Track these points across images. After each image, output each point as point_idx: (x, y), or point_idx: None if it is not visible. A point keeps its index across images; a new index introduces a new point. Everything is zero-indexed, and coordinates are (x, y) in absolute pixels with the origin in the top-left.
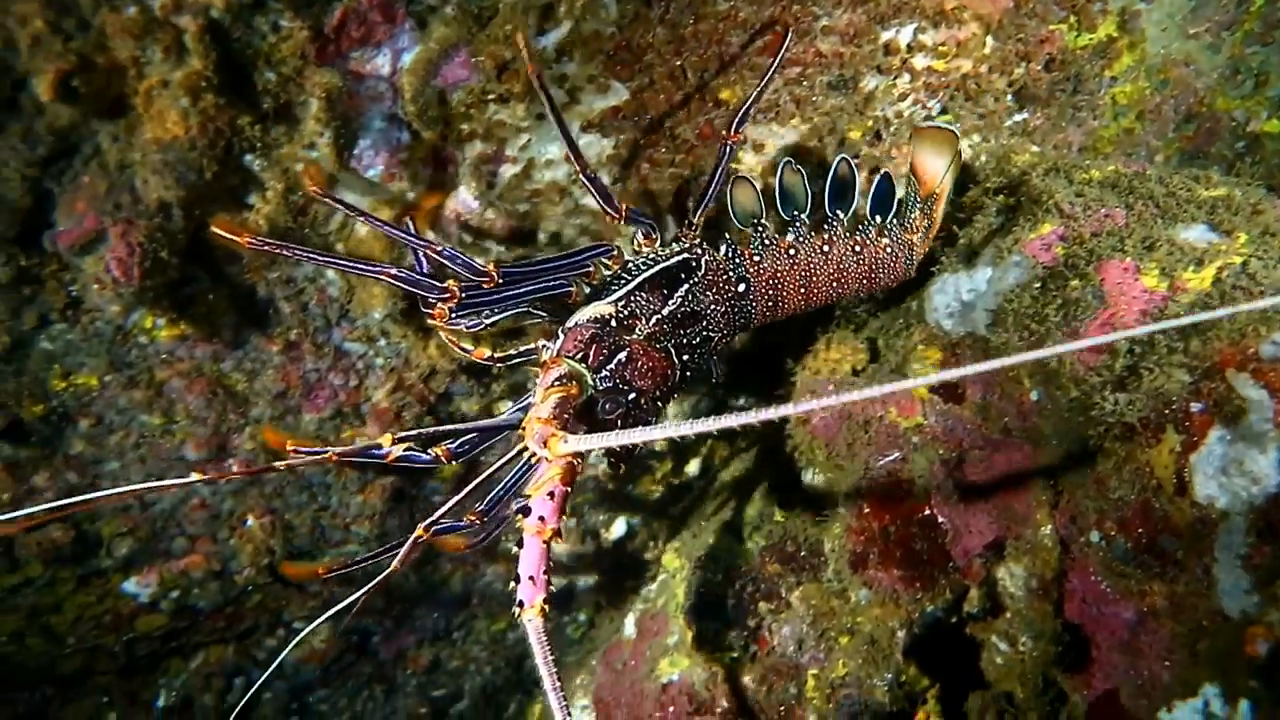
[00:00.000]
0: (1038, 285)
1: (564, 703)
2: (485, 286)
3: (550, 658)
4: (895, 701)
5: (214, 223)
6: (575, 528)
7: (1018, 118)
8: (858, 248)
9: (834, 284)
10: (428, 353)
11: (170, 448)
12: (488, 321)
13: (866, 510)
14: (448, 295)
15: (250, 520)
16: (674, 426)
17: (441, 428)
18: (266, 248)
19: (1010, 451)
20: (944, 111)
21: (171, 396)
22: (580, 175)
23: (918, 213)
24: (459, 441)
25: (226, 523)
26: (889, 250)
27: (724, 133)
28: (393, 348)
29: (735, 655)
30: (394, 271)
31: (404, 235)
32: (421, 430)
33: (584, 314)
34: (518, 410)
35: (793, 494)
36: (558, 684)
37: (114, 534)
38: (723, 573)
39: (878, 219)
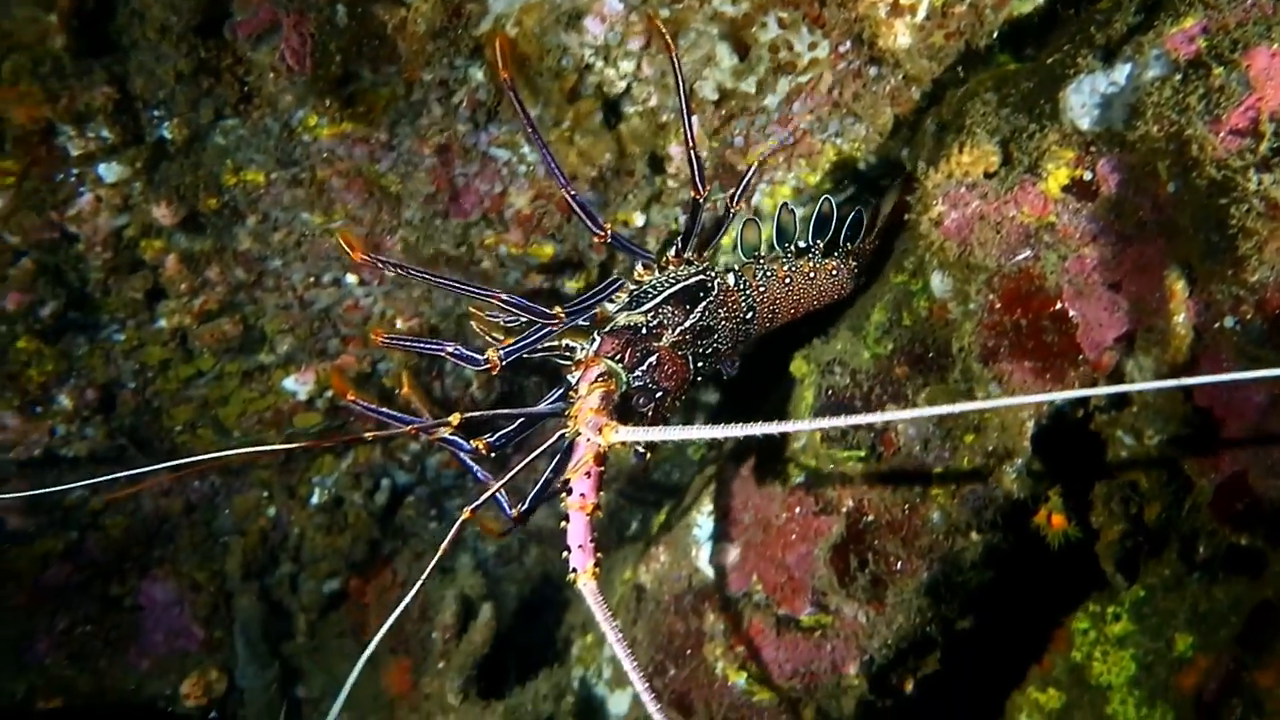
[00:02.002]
0: (1179, 77)
1: (630, 654)
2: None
3: (609, 614)
4: (1021, 491)
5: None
6: None
7: None
8: (832, 270)
9: (814, 300)
10: (569, 160)
11: (329, 247)
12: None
13: (998, 306)
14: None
15: (399, 323)
16: (719, 429)
17: (496, 412)
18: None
19: (1144, 245)
20: None
21: (331, 195)
22: (565, 194)
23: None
24: (496, 435)
25: (377, 324)
26: (851, 269)
27: (730, 203)
28: (536, 154)
29: (862, 456)
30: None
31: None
32: (484, 413)
33: (617, 322)
34: (554, 402)
35: (920, 299)
36: (620, 636)
37: (276, 331)
38: (849, 376)
39: (848, 245)
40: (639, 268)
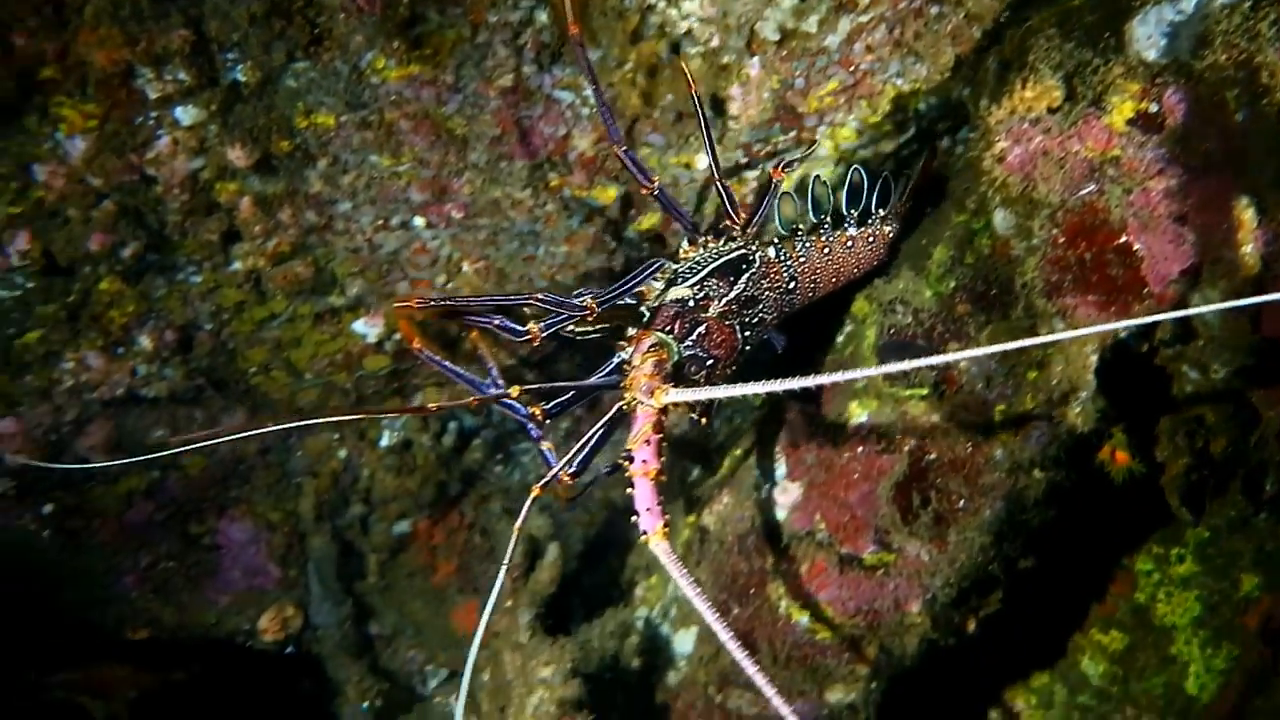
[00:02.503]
0: (1249, 4)
1: (710, 608)
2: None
3: (684, 570)
4: (1085, 425)
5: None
6: None
7: None
8: (869, 237)
9: (854, 268)
10: (631, 103)
11: (397, 189)
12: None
13: (1061, 241)
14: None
15: (466, 266)
16: (761, 385)
17: (554, 384)
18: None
19: (1211, 176)
20: None
21: (399, 138)
22: (616, 150)
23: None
24: (552, 404)
25: (444, 268)
26: (886, 235)
27: (772, 170)
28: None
29: (924, 394)
30: (540, 296)
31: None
32: (540, 385)
33: (665, 297)
34: (608, 375)
35: (982, 237)
36: (698, 590)
37: (346, 274)
38: (911, 314)
39: (880, 211)
40: (683, 246)
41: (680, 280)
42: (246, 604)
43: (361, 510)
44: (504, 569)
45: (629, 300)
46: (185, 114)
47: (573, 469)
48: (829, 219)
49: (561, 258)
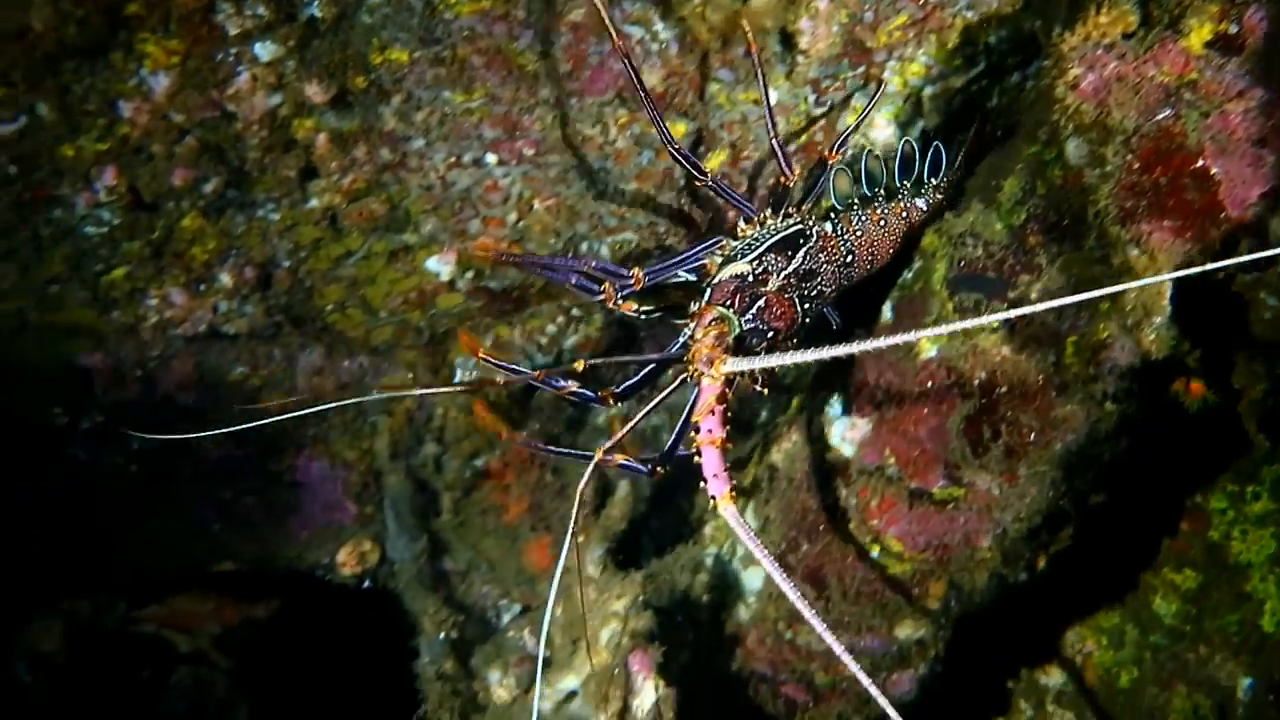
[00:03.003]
0: None
1: (775, 563)
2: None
3: (750, 532)
4: (1160, 352)
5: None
6: None
7: None
8: (922, 208)
9: (911, 237)
10: (702, 37)
11: (469, 125)
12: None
13: (1136, 167)
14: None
15: (537, 204)
16: (820, 350)
17: (618, 358)
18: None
19: None
20: None
21: (472, 74)
22: (668, 148)
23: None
24: (623, 386)
25: (515, 205)
26: (940, 204)
27: (826, 154)
28: (670, 30)
29: (995, 326)
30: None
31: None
32: (607, 359)
33: (725, 273)
34: (675, 350)
35: (1054, 168)
36: (764, 550)
37: (420, 211)
38: (981, 247)
39: (932, 181)
40: (741, 224)
41: (739, 256)
42: (325, 539)
43: (435, 449)
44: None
45: (688, 276)
46: (264, 50)
47: (662, 455)
48: (883, 191)
49: (632, 195)
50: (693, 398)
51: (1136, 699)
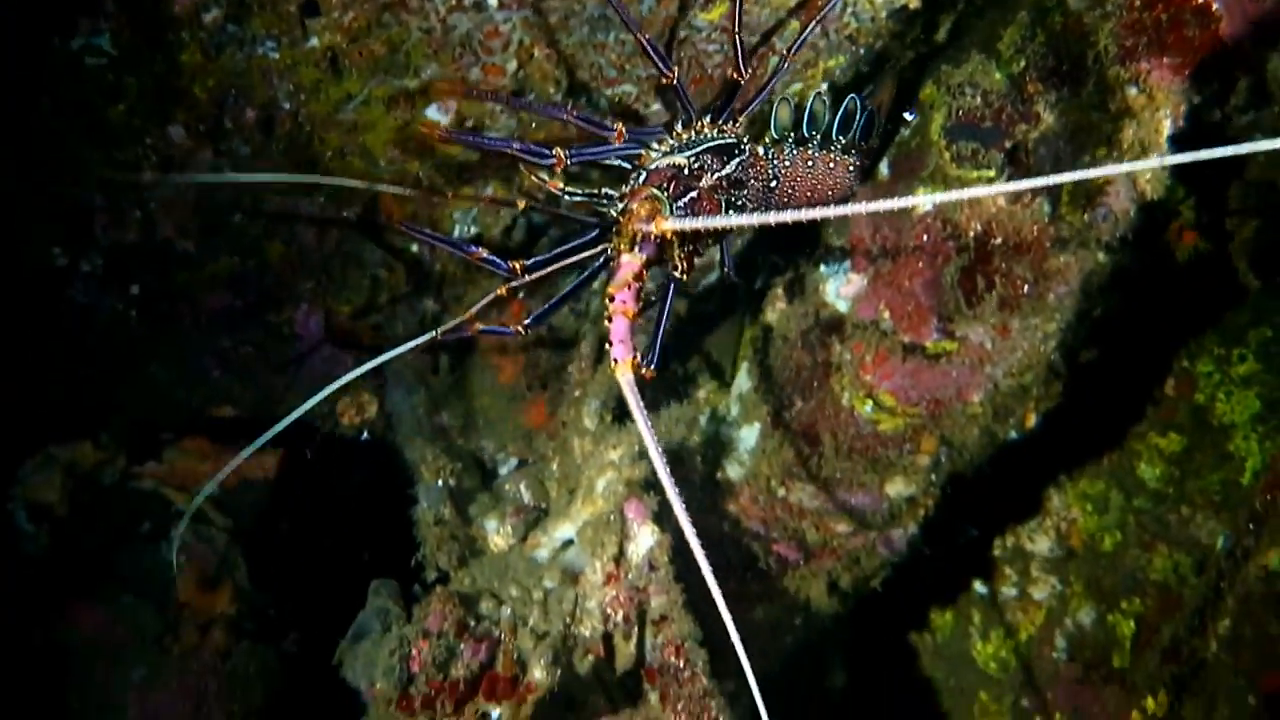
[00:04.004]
0: None
1: (655, 439)
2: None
3: (641, 403)
4: (1155, 193)
5: None
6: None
7: None
8: (849, 166)
9: (826, 191)
10: None
11: None
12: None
13: (1137, 4)
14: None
15: (536, 52)
16: (768, 215)
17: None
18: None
19: None
20: None
21: None
22: (640, 40)
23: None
24: (532, 260)
25: (515, 53)
26: (855, 168)
27: (785, 51)
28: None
29: (991, 176)
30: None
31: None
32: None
33: (662, 161)
34: (595, 231)
35: (1055, 15)
36: (648, 422)
37: (421, 56)
38: (980, 96)
39: (863, 144)
40: (678, 127)
41: (677, 151)
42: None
43: (434, 307)
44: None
45: (619, 162)
46: None
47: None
48: (818, 136)
49: (631, 45)
50: (606, 275)
51: (1119, 561)
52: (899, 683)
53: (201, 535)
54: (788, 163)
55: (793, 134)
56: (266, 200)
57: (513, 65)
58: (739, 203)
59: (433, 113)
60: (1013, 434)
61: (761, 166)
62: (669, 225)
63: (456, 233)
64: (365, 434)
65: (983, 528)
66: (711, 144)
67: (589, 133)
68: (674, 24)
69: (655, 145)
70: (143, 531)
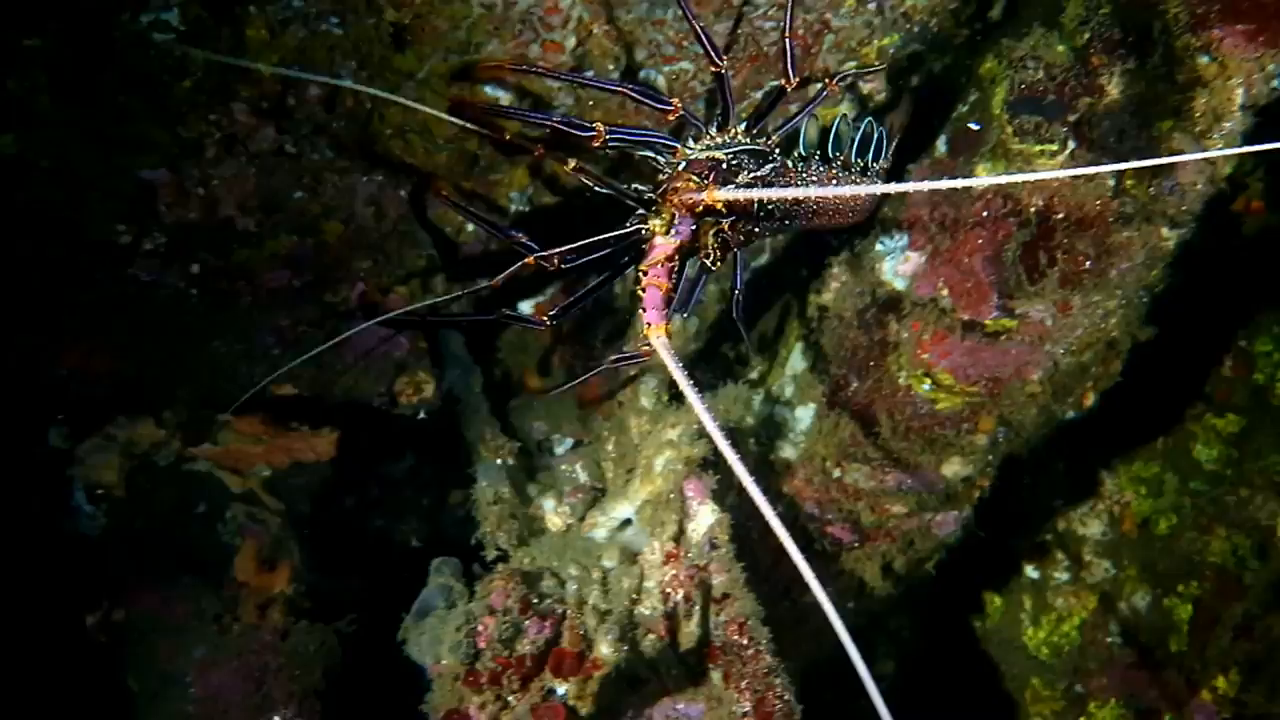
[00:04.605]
0: None
1: (703, 400)
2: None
3: (679, 362)
4: (1227, 163)
5: None
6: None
7: None
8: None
9: (847, 213)
10: None
11: None
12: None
13: None
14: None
15: (595, 29)
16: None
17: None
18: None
19: None
20: None
21: None
22: (693, 22)
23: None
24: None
25: (574, 30)
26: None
27: (828, 80)
28: None
29: (1054, 149)
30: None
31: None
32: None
33: (703, 154)
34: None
35: None
36: (691, 383)
37: (481, 33)
38: (1043, 69)
39: (875, 165)
40: (712, 129)
41: (717, 148)
42: (382, 369)
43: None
44: None
45: (652, 154)
46: None
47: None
48: (842, 157)
49: (694, 15)
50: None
51: (1174, 544)
52: (953, 667)
53: (255, 517)
54: (814, 178)
55: (819, 152)
56: (327, 178)
57: (571, 42)
58: (771, 206)
59: (490, 90)
60: (1070, 414)
61: (791, 178)
62: (721, 194)
63: (513, 208)
64: (422, 414)
65: (1035, 511)
66: (747, 147)
67: (647, 106)
68: (733, 1)
69: (692, 142)
70: (198, 513)
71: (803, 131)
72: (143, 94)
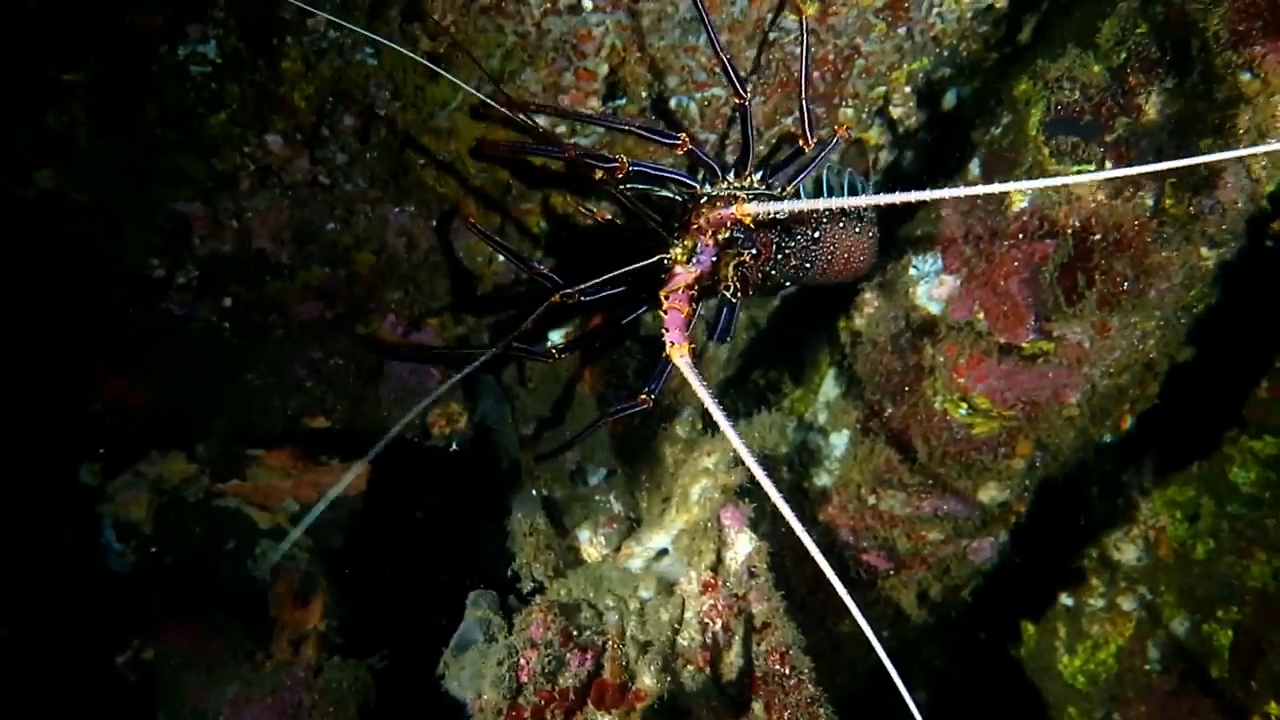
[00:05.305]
0: None
1: (724, 412)
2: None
3: (701, 379)
4: (1273, 178)
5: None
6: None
7: None
8: (872, 234)
9: (856, 263)
10: None
11: None
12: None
13: None
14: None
15: (628, 55)
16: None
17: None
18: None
19: None
20: None
21: None
22: (720, 54)
23: None
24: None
25: (608, 56)
26: (877, 238)
27: (838, 128)
28: None
29: (1092, 170)
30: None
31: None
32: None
33: (723, 192)
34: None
35: (1156, 6)
36: (714, 396)
37: (516, 61)
38: (1079, 90)
39: (869, 213)
40: (729, 176)
41: (735, 189)
42: (414, 400)
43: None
44: None
45: (669, 193)
46: None
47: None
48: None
49: (722, 47)
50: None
51: (1212, 569)
52: (986, 696)
53: (286, 553)
54: (826, 223)
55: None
56: (359, 209)
57: (604, 69)
58: (787, 251)
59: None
60: (1107, 437)
61: (806, 224)
62: (750, 208)
63: (543, 235)
64: (455, 445)
65: (1073, 535)
66: (764, 191)
67: (653, 141)
68: (765, 26)
69: (709, 185)
70: (228, 549)
71: (803, 188)
72: (179, 127)
